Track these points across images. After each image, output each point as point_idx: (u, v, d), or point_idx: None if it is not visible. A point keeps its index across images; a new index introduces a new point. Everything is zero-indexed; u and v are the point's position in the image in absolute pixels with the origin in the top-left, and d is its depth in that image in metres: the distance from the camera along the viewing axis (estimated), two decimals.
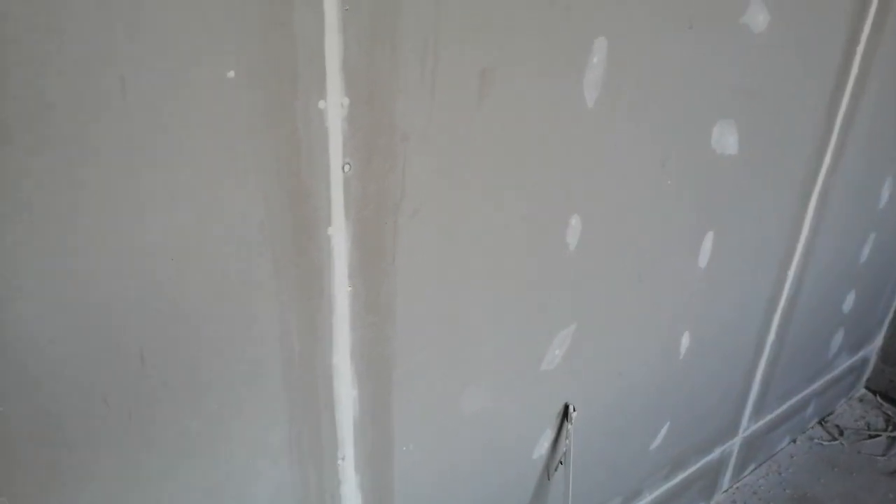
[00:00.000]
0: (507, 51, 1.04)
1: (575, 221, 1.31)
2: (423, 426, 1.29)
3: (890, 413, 2.80)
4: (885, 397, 2.87)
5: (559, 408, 1.56)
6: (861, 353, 2.76)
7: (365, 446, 1.22)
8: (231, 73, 0.81)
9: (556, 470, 1.64)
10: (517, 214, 1.21)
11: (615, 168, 1.31)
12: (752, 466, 2.49)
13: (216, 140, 0.83)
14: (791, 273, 2.00)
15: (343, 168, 0.95)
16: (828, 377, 2.61)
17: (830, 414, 2.80)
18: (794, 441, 2.65)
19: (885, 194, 2.21)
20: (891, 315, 2.75)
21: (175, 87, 0.78)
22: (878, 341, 2.81)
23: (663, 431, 1.94)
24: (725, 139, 1.50)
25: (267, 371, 1.03)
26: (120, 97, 0.75)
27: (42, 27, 0.67)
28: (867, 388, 2.93)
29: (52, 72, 0.69)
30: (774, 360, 2.20)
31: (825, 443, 2.65)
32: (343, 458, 1.20)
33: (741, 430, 2.29)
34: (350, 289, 1.05)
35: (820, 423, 2.75)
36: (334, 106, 0.91)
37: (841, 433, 2.70)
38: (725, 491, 2.42)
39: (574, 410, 1.56)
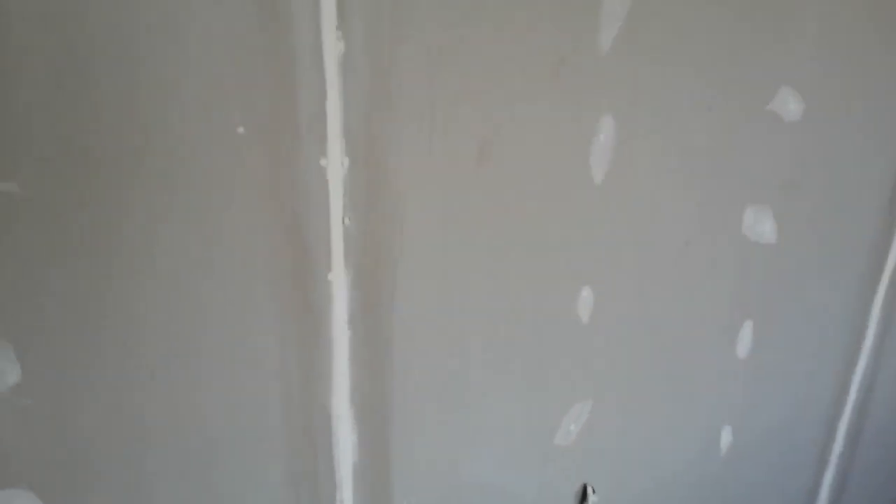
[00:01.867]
0: (507, 121, 1.13)
1: (586, 294, 1.33)
2: (423, 484, 1.32)
3: None
4: None
5: (577, 488, 1.53)
6: None
7: (364, 493, 1.26)
8: (241, 129, 0.95)
9: None
10: (522, 280, 1.26)
11: (630, 245, 1.34)
12: None
13: (224, 188, 0.96)
14: (857, 377, 1.88)
15: (343, 221, 1.06)
16: None
17: None
18: None
19: None
20: None
21: (191, 141, 0.92)
22: None
23: None
24: (760, 226, 1.49)
25: (266, 406, 1.11)
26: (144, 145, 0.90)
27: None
28: None
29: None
30: (844, 471, 2.03)
31: None
32: (342, 503, 1.25)
33: None
34: (350, 333, 1.13)
35: None
36: (335, 164, 1.02)
37: None
38: None
39: (594, 493, 1.53)
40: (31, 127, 0.83)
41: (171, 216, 0.94)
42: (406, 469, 1.29)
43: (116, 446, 1.02)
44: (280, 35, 0.92)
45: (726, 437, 1.71)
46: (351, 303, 1.11)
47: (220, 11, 0.88)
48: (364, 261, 1.10)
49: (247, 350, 1.06)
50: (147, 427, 1.03)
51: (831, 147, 1.51)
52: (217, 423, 1.08)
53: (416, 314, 1.18)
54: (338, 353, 1.14)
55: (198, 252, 0.98)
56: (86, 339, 0.95)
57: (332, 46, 0.96)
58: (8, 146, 0.82)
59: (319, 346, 1.12)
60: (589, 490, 1.52)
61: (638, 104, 1.23)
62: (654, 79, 1.23)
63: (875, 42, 1.48)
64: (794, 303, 1.65)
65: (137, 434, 1.03)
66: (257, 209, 0.99)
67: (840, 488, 2.04)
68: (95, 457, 1.01)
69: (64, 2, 0.80)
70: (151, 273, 0.95)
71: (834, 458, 1.97)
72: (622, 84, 1.20)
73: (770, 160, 1.44)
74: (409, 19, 1.00)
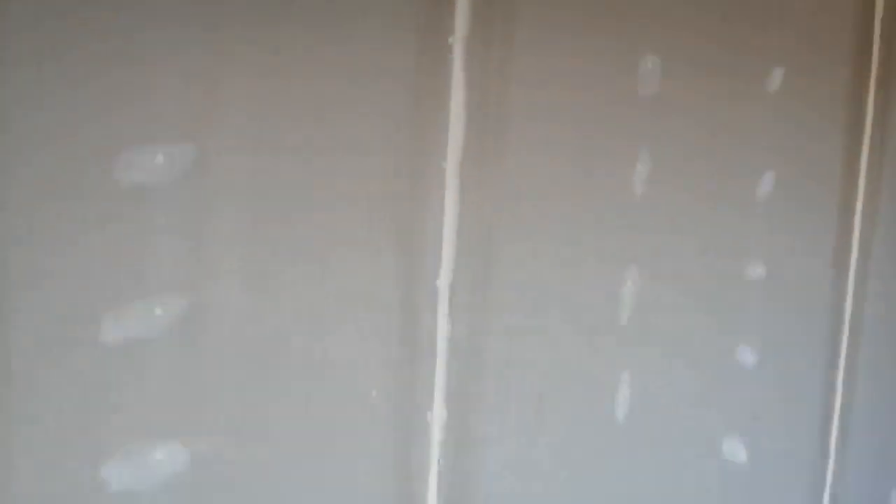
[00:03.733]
0: (554, 383, 1.42)
1: None
2: None
3: None
4: None
5: None
6: None
7: None
8: (374, 393, 1.19)
9: None
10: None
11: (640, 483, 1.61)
12: None
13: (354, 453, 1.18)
14: None
15: (437, 462, 1.27)
16: None
17: None
18: None
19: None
20: None
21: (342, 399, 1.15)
22: None
23: None
24: (736, 453, 1.80)
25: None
26: None
27: None
28: None
29: None
30: None
31: None
32: None
33: None
34: None
35: None
36: (437, 417, 1.26)
37: None
38: None
39: None
40: None
41: None
42: None
43: None
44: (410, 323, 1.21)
45: None
46: None
47: None
48: (452, 495, 1.30)
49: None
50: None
51: (777, 397, 1.89)
52: None
53: None
54: None
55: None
56: None
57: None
58: None
59: None
60: None
61: (647, 363, 1.56)
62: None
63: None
64: None
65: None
66: (378, 456, 1.21)
67: None
68: None
69: None
70: None
71: None
72: (638, 344, 1.54)
73: (737, 400, 1.79)
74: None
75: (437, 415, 1.26)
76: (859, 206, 2.04)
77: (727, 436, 1.78)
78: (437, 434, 1.27)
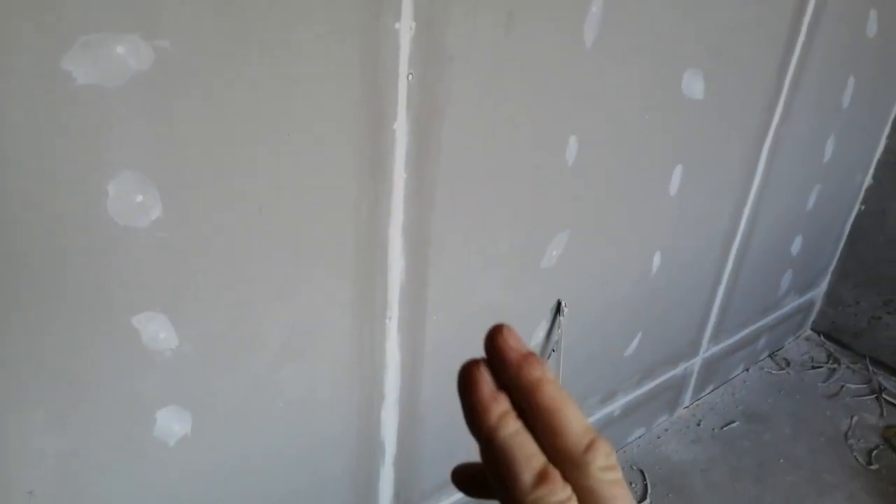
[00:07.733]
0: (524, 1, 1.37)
1: (573, 141, 1.64)
2: (448, 301, 1.63)
3: (832, 350, 3.21)
4: (829, 337, 3.27)
5: (553, 303, 1.91)
6: (808, 296, 3.15)
7: (406, 309, 1.55)
8: None
9: (548, 357, 1.98)
10: (530, 130, 1.54)
11: (605, 101, 1.65)
12: (710, 388, 2.87)
13: (317, 43, 1.15)
14: (746, 211, 2.37)
15: (407, 77, 1.28)
16: (778, 314, 3.00)
17: (779, 349, 3.19)
18: (747, 370, 3.04)
19: (829, 151, 2.58)
20: (835, 263, 3.14)
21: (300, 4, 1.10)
22: (824, 286, 3.21)
23: (636, 340, 2.30)
24: (693, 85, 1.85)
25: (342, 236, 1.35)
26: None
27: None
28: (812, 329, 3.33)
29: None
30: (731, 289, 2.57)
31: (774, 372, 3.05)
32: (390, 318, 1.53)
33: (701, 351, 2.67)
34: (405, 175, 1.38)
35: (770, 356, 3.14)
36: (405, 28, 1.23)
37: (788, 364, 3.10)
38: (686, 407, 2.79)
39: (566, 306, 1.91)
40: None
41: (286, 59, 1.13)
42: (436, 290, 1.58)
43: (230, 273, 1.24)
44: None
45: (657, 261, 2.14)
46: (408, 150, 1.35)
47: None
48: (420, 114, 1.33)
49: (331, 188, 1.28)
50: (253, 254, 1.25)
51: (745, 20, 1.87)
52: (307, 248, 1.31)
53: (454, 160, 1.44)
54: (395, 192, 1.38)
55: (300, 97, 1.17)
56: (213, 182, 1.14)
57: None
58: None
59: (384, 187, 1.36)
60: (563, 304, 1.90)
61: None
62: None
63: None
64: (710, 151, 2.06)
65: (244, 260, 1.25)
66: (343, 63, 1.19)
67: (728, 299, 2.59)
68: (215, 282, 1.22)
69: None
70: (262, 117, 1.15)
71: (725, 276, 2.49)
72: None
73: (705, 28, 1.78)
74: None
75: (405, 25, 1.23)
76: None
77: (689, 69, 1.81)
78: (406, 47, 1.25)
